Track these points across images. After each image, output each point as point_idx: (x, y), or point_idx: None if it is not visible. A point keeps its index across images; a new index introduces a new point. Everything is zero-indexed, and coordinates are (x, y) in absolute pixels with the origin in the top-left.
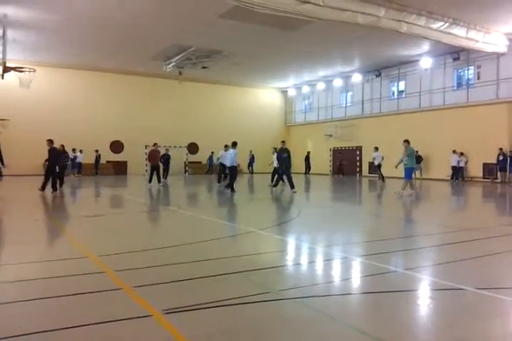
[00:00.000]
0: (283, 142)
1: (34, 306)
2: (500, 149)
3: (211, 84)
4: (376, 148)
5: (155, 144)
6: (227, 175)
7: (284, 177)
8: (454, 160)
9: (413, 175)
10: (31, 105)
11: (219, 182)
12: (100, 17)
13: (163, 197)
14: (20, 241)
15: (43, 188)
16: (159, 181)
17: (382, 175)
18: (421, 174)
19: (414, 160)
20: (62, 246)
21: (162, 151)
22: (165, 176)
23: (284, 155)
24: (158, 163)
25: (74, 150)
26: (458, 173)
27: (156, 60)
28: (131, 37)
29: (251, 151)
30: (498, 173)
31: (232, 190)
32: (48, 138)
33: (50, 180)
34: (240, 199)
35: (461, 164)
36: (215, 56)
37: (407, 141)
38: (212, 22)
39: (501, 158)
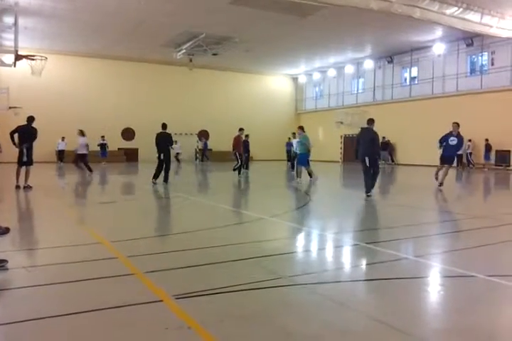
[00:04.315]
0: (371, 120)
1: (46, 291)
2: None
3: (222, 71)
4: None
5: (241, 129)
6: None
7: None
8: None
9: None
10: (43, 93)
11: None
12: (110, 4)
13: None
14: (33, 228)
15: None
16: (247, 167)
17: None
18: (384, 161)
19: (306, 147)
20: (75, 232)
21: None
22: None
23: (369, 137)
24: (242, 150)
25: (103, 137)
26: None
27: (166, 47)
28: (141, 24)
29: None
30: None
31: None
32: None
33: None
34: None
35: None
36: (226, 43)
37: (300, 128)
38: (222, 8)
39: None
